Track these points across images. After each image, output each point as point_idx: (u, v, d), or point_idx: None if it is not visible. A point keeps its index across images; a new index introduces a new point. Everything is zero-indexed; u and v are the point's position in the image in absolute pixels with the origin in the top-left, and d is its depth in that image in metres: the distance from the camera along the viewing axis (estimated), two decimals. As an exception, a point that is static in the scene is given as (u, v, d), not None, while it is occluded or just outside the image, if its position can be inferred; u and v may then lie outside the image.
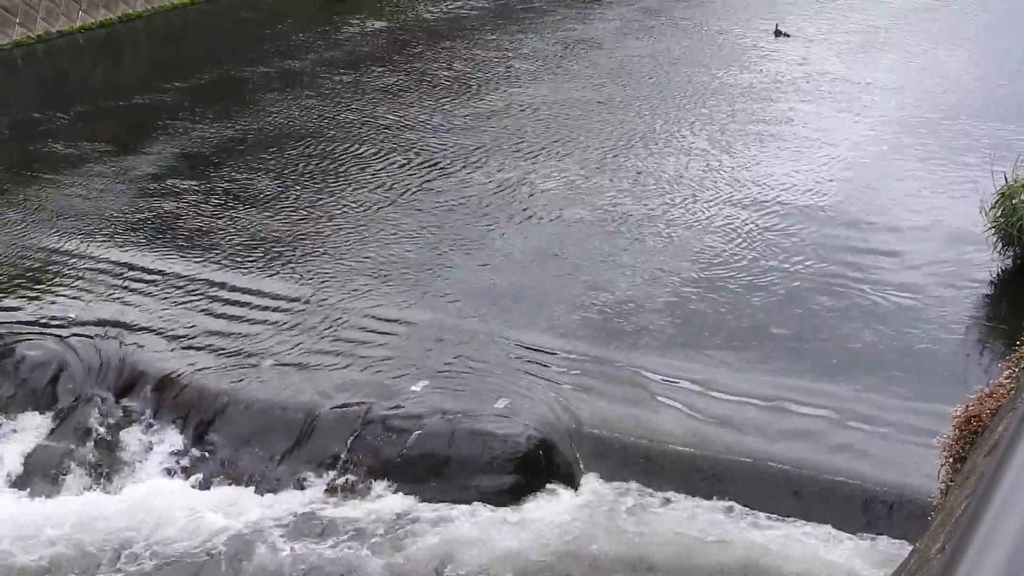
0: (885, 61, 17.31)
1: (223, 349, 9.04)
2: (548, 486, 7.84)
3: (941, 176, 12.51)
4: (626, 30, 19.17)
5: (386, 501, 7.78)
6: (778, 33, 18.92)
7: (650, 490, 7.70)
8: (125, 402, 8.63)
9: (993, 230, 10.20)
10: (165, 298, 9.86)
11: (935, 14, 20.30)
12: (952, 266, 10.38)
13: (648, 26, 19.50)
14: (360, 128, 14.16)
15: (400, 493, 7.82)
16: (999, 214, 10.14)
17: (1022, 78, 16.33)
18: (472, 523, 7.55)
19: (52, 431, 8.48)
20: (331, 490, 7.88)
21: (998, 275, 10.23)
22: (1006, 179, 10.21)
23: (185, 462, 8.23)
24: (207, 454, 8.26)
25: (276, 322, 9.43)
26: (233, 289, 9.99)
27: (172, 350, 9.05)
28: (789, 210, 11.55)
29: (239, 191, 12.14)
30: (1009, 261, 10.24)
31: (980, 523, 2.57)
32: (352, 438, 8.07)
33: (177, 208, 11.70)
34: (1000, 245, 10.21)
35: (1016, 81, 16.05)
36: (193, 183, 12.37)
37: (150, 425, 8.44)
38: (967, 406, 4.91)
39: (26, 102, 15.90)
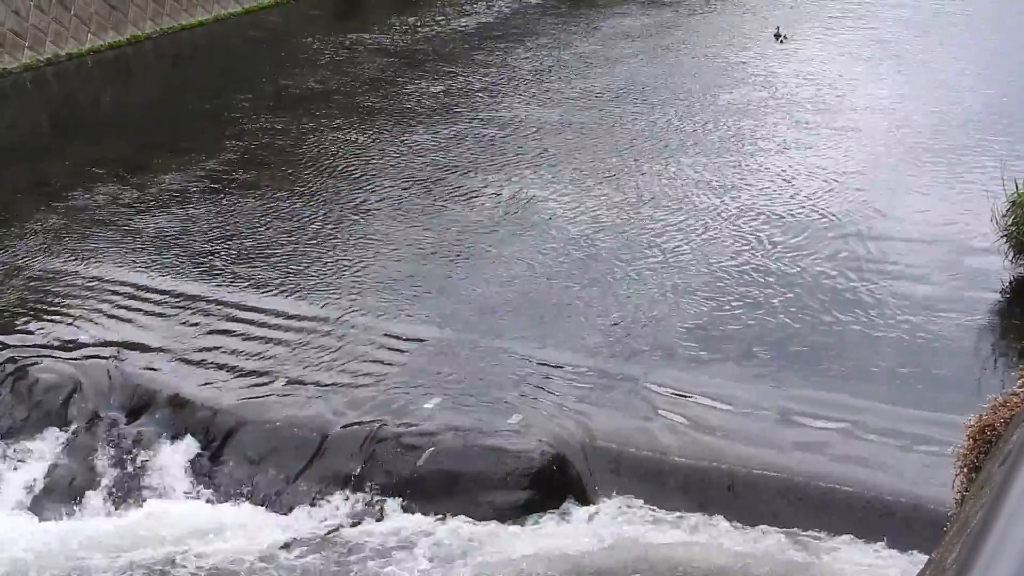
0: (893, 70, 17.29)
1: (235, 368, 9.06)
2: (563, 502, 7.83)
3: (951, 185, 12.47)
4: (627, 47, 19.20)
5: (400, 518, 7.78)
6: (778, 36, 19.11)
7: (665, 506, 7.68)
8: (138, 422, 8.64)
9: (1005, 238, 10.17)
10: (176, 318, 9.88)
11: (939, 27, 20.28)
12: (964, 275, 10.36)
13: (657, 44, 19.53)
14: (366, 148, 14.18)
15: (413, 510, 7.81)
16: (1011, 222, 10.11)
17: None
18: (486, 539, 7.54)
19: (65, 453, 8.48)
20: (344, 508, 7.88)
21: (1010, 284, 10.19)
22: (1017, 187, 10.18)
23: (198, 482, 8.23)
24: (220, 474, 8.27)
25: (287, 341, 9.44)
26: (244, 308, 10.00)
27: (184, 370, 9.06)
28: (798, 222, 11.52)
29: (248, 212, 12.16)
30: (1021, 269, 10.20)
31: (990, 533, 2.56)
32: (365, 456, 8.08)
33: (187, 229, 11.72)
34: (1012, 253, 10.18)
35: (1025, 90, 16.02)
36: (203, 204, 12.40)
37: (163, 445, 8.44)
38: (980, 416, 4.90)
39: (36, 125, 15.98)
